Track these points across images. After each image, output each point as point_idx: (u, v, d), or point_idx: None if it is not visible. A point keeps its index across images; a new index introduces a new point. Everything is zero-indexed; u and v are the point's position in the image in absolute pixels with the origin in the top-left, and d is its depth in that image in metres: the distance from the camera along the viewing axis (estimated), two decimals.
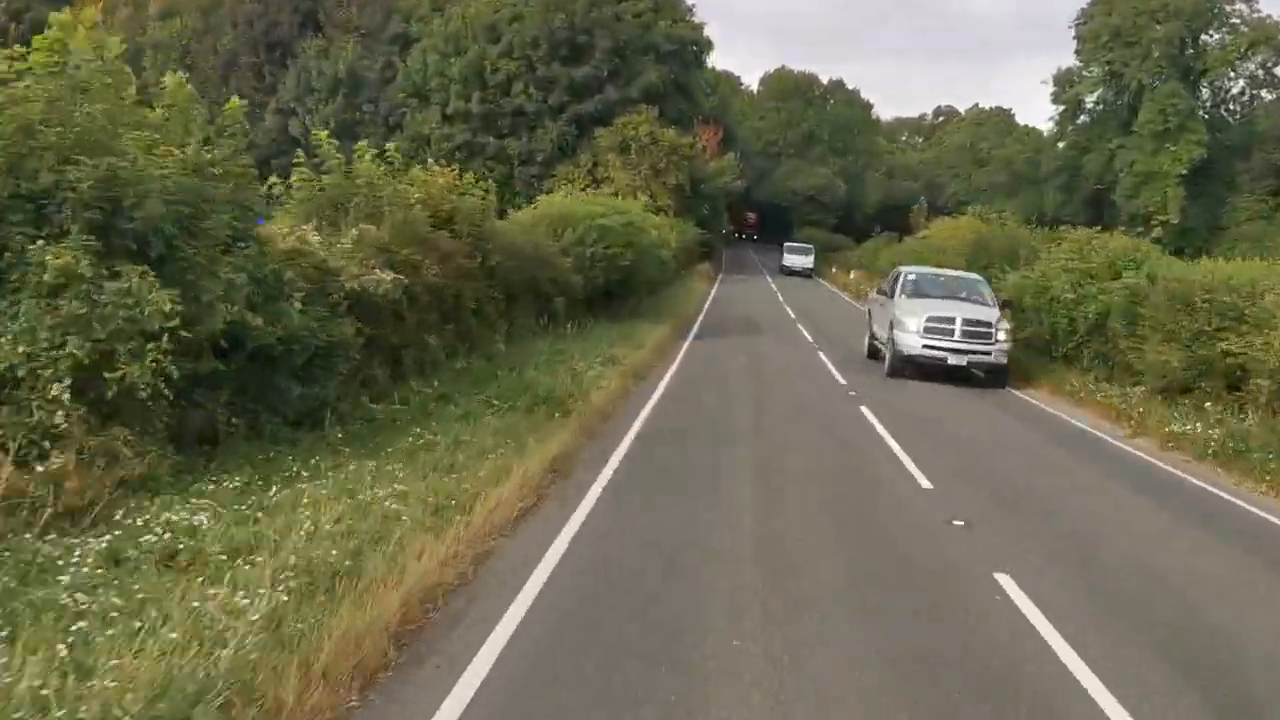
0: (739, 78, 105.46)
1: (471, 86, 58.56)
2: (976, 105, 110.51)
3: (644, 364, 18.40)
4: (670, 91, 60.25)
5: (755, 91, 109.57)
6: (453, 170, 18.22)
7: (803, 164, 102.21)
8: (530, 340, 18.51)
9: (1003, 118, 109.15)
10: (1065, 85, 77.70)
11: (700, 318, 31.54)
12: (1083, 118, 79.77)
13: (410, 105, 58.60)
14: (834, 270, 65.09)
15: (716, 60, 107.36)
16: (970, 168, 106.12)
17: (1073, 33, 76.03)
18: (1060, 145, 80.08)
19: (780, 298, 43.56)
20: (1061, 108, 79.01)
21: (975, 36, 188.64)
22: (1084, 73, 77.19)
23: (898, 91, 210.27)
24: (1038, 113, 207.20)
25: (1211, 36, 74.40)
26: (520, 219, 25.36)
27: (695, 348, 23.18)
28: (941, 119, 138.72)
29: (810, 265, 66.36)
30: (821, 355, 23.07)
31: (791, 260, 66.26)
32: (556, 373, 14.48)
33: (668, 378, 17.19)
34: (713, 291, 43.84)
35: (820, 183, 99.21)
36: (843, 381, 18.77)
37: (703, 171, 59.74)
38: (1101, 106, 76.96)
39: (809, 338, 27.55)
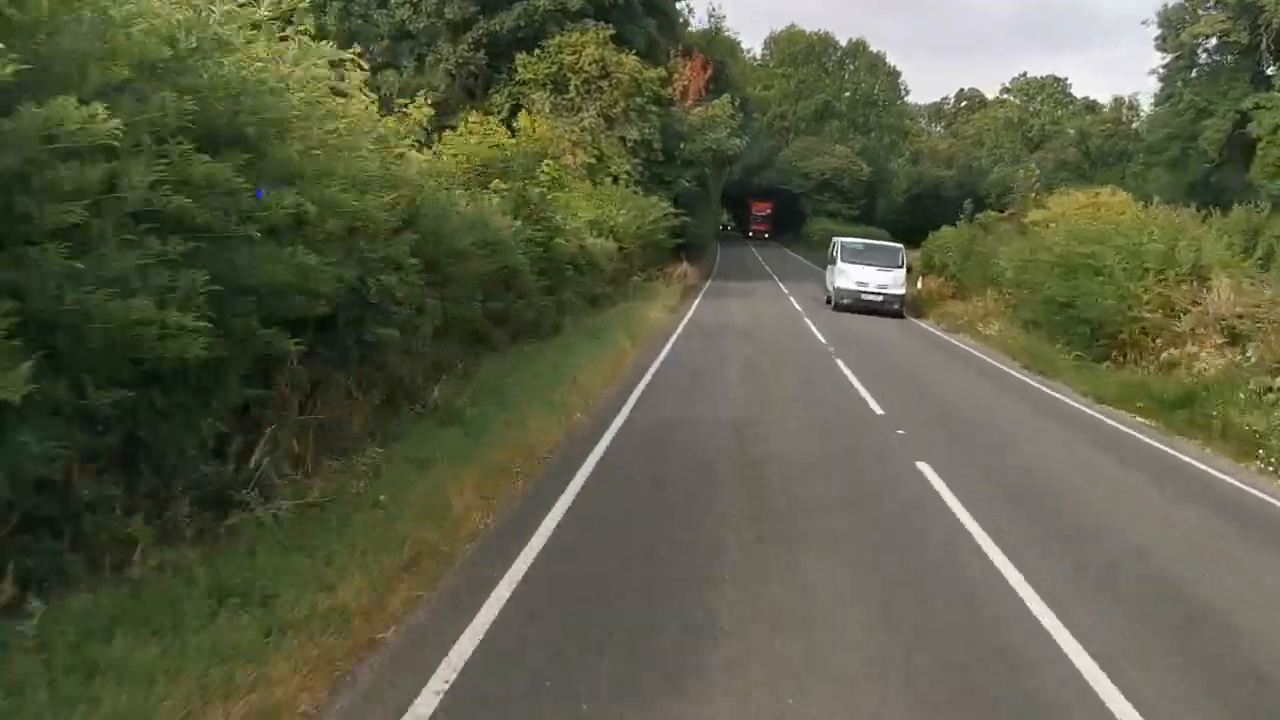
0: (737, 36, 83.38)
1: None
2: (1024, 74, 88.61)
3: None
4: (634, 7, 38.53)
5: (759, 56, 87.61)
6: None
7: (817, 142, 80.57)
8: None
9: (1057, 89, 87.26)
10: (1175, 27, 55.93)
11: (556, 514, 7.45)
12: (1194, 71, 58.30)
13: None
14: None
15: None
16: (1019, 149, 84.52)
17: None
18: (1166, 106, 58.25)
19: (835, 357, 20.52)
20: (1168, 57, 57.19)
21: (977, 31, 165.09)
22: (1200, 9, 55.44)
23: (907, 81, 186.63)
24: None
25: None
26: None
27: None
28: (965, 104, 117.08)
29: (900, 291, 27.74)
30: None
31: (860, 278, 27.57)
32: None
33: None
34: (680, 327, 21.52)
35: (839, 164, 77.47)
36: None
37: (682, 124, 38.13)
38: (1230, 59, 55.11)
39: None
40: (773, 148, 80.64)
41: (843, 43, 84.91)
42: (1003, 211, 77.47)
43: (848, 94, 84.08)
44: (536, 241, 15.88)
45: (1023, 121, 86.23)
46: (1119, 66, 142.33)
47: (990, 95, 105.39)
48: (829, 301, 28.75)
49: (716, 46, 48.95)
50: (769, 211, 77.08)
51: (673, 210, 31.84)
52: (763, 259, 57.16)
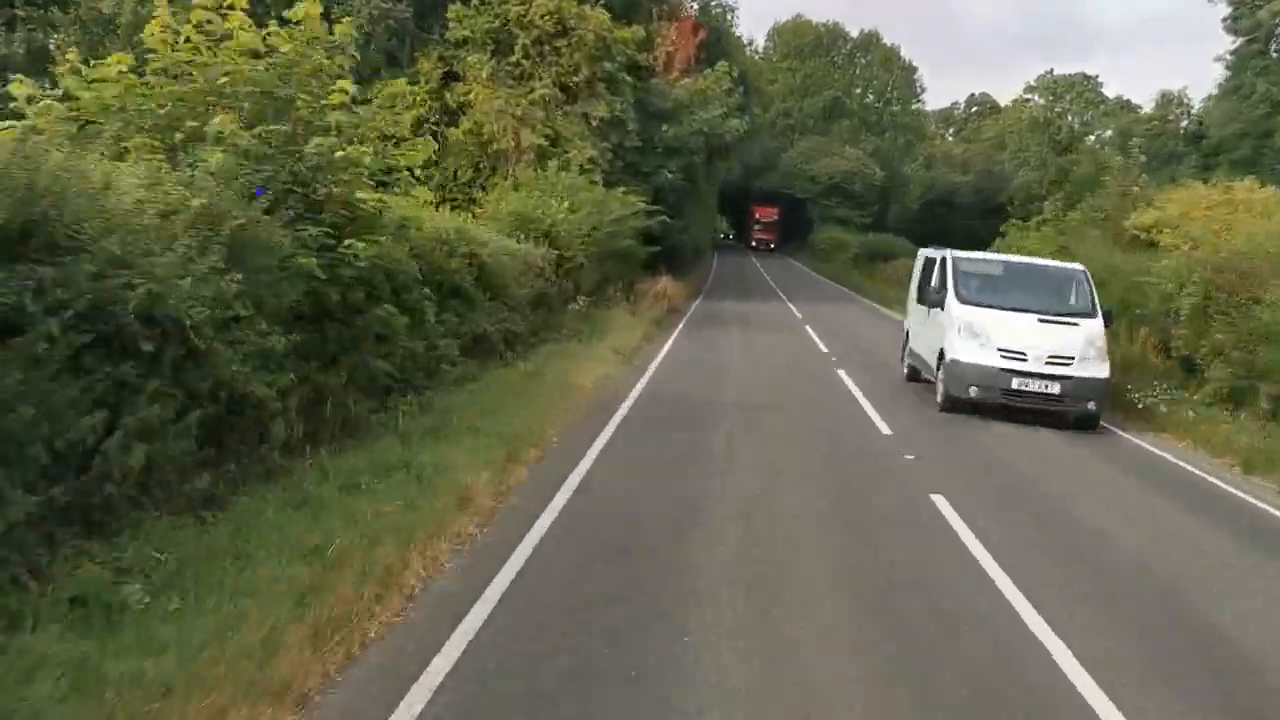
0: (736, 26, 74.75)
1: None
2: (1050, 71, 79.93)
3: None
4: None
5: (762, 49, 78.89)
6: None
7: (825, 142, 72.07)
8: None
9: (1088, 87, 78.71)
10: (1250, 5, 47.28)
11: None
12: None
13: None
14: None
15: None
16: (1046, 152, 75.81)
17: None
18: (1235, 99, 49.54)
19: (935, 498, 7.66)
20: (1238, 41, 48.60)
21: (978, 37, 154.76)
22: None
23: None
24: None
25: None
26: None
27: None
28: (975, 109, 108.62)
29: (1100, 372, 11.84)
30: None
31: (1012, 342, 11.94)
32: None
33: None
34: (628, 401, 11.20)
35: (850, 166, 68.95)
36: None
37: (665, 100, 29.45)
38: None
39: None
40: (776, 148, 72.07)
41: (854, 35, 76.31)
42: (1026, 220, 68.67)
43: (859, 90, 75.47)
44: (282, 251, 7.10)
45: (1049, 122, 77.53)
46: (1118, 71, 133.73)
47: (1003, 101, 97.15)
48: (914, 379, 14.62)
49: (711, 14, 40.16)
50: (775, 218, 67.81)
51: (644, 206, 23.03)
52: (765, 271, 48.45)
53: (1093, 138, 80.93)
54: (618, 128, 27.33)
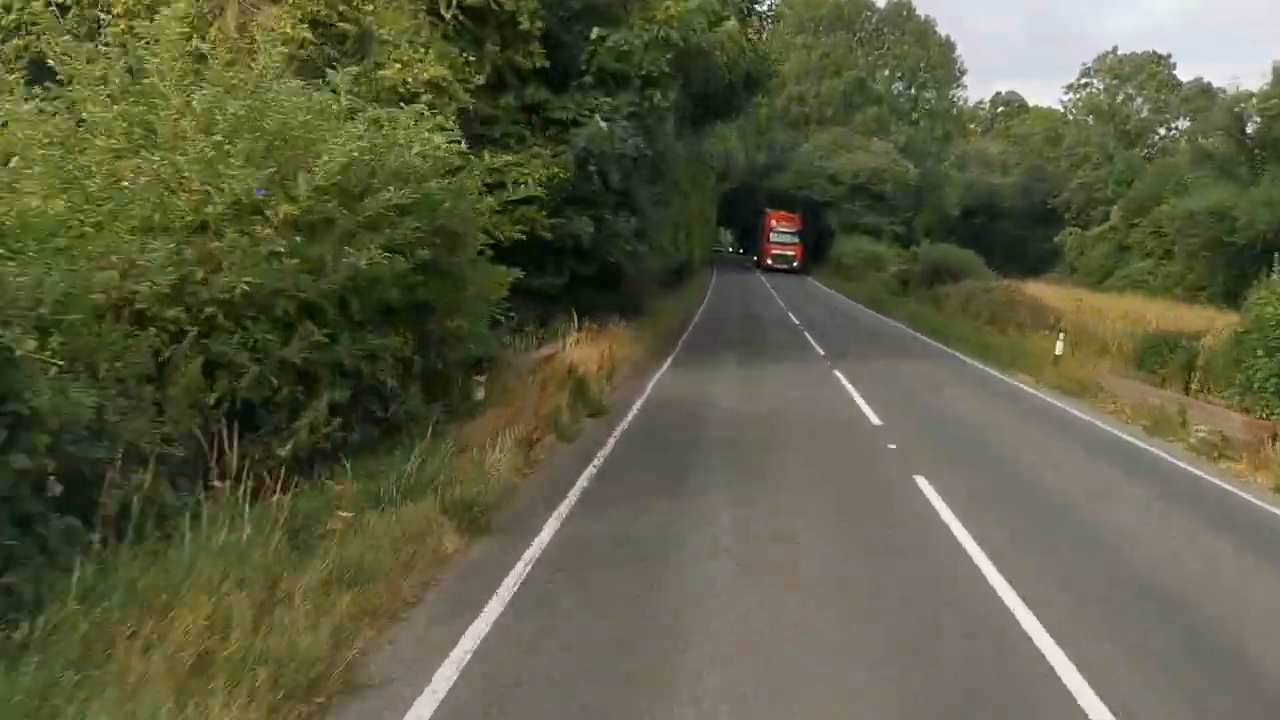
0: None
1: None
2: (1114, 49, 65.82)
3: None
4: None
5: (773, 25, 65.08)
6: None
7: (846, 134, 58.31)
8: None
9: (1160, 69, 64.69)
10: None
11: None
12: None
13: None
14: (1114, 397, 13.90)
15: None
16: (1113, 146, 61.80)
17: None
18: None
19: None
20: None
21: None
22: None
23: None
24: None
25: None
26: None
27: None
28: (1003, 109, 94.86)
29: None
30: None
31: None
32: None
33: None
34: None
35: (878, 163, 55.16)
36: None
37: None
38: None
39: None
40: (789, 142, 58.30)
41: (880, 5, 62.44)
42: (1085, 228, 54.68)
43: (886, 72, 61.63)
44: None
45: (1114, 111, 63.60)
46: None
47: (1032, 102, 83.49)
48: None
49: None
50: (798, 228, 51.90)
51: (449, 143, 8.67)
52: (779, 296, 34.26)
53: (1164, 131, 67.15)
54: (503, 28, 13.42)
